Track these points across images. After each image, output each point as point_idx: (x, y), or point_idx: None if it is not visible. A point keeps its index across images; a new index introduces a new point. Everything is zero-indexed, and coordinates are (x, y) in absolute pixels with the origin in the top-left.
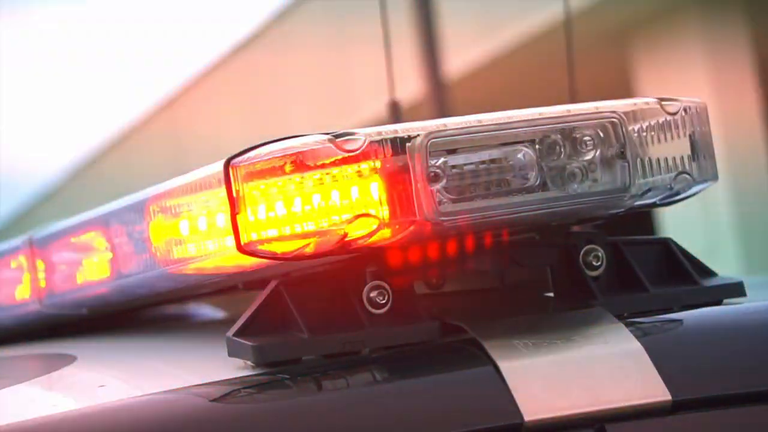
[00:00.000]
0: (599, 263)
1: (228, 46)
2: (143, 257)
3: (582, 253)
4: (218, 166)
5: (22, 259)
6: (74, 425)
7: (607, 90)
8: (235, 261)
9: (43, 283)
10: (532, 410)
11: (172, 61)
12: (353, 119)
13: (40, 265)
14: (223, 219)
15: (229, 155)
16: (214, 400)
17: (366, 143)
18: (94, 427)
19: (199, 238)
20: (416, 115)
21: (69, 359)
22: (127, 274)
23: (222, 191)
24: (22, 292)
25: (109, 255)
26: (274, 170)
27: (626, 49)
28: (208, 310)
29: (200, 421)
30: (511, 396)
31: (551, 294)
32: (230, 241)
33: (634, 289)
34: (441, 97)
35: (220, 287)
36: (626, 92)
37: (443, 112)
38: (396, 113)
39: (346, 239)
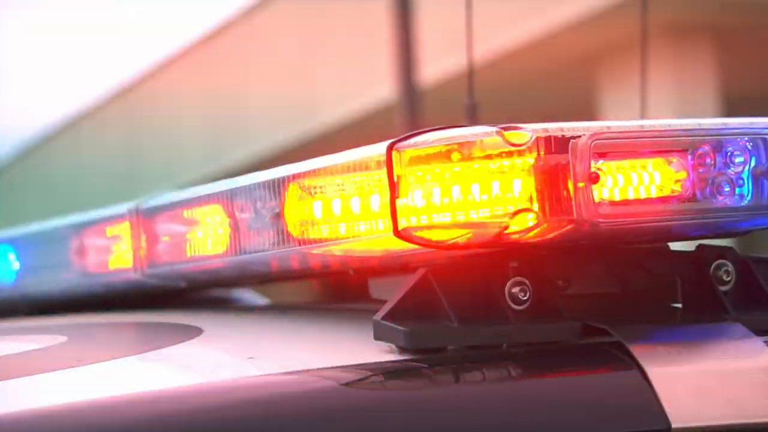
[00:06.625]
0: (729, 278)
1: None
2: (271, 234)
3: (713, 267)
4: (376, 149)
5: (125, 227)
6: (224, 395)
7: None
8: (373, 246)
9: (143, 252)
10: (679, 417)
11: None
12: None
13: (144, 234)
14: (372, 201)
15: (391, 140)
16: (358, 382)
17: (533, 138)
18: (243, 398)
19: (339, 220)
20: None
21: (196, 331)
22: (248, 250)
23: (377, 174)
24: (119, 261)
25: (230, 230)
26: (439, 156)
27: (595, 73)
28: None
29: (348, 402)
30: (659, 402)
31: (678, 305)
32: (372, 225)
33: (762, 306)
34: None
35: (331, 271)
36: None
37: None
38: (472, 115)
39: (504, 233)
